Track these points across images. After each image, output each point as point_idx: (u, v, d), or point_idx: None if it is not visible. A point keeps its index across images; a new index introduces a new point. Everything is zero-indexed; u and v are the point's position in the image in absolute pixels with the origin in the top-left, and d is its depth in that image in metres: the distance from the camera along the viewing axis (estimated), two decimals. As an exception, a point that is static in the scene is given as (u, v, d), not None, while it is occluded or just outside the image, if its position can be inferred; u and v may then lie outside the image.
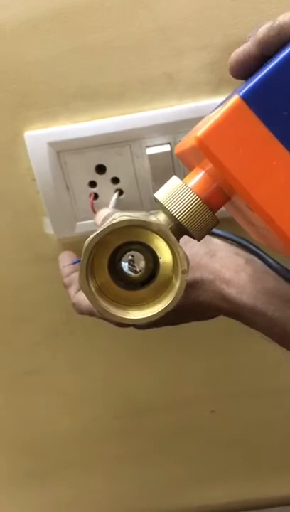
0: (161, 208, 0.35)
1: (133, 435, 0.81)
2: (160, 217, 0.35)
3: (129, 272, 0.37)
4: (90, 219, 0.60)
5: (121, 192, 0.59)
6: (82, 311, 0.52)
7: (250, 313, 0.42)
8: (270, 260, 0.43)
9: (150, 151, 0.56)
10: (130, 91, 0.55)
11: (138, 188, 0.59)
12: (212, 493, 0.87)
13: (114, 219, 0.33)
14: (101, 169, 0.58)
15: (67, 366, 0.74)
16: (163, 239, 0.34)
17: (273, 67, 0.30)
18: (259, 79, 0.30)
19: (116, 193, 0.59)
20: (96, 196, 0.59)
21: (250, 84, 0.30)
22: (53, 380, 0.76)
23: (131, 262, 0.37)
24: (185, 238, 0.37)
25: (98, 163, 0.58)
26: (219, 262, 0.44)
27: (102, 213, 0.53)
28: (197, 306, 0.45)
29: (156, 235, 0.34)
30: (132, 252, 0.36)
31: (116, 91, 0.55)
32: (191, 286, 0.44)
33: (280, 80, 0.30)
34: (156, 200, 0.35)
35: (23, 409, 0.78)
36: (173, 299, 0.34)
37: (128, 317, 0.35)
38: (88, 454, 0.83)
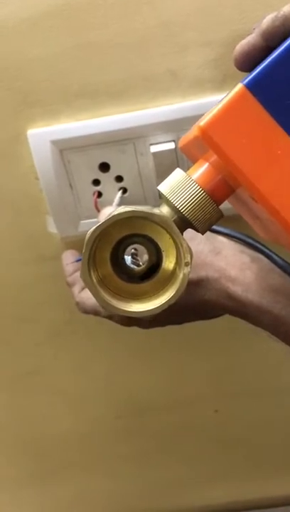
0: (165, 200, 0.35)
1: (135, 435, 0.81)
2: (164, 210, 0.35)
3: (132, 266, 0.36)
4: (94, 218, 0.60)
5: (125, 190, 0.59)
6: (86, 310, 0.52)
7: (256, 311, 0.42)
8: (276, 258, 0.43)
9: (154, 148, 0.56)
10: (133, 88, 0.55)
11: (142, 186, 0.59)
12: (214, 493, 0.86)
13: (115, 211, 0.33)
14: (104, 167, 0.58)
15: (69, 366, 0.74)
16: (166, 230, 0.34)
17: (277, 56, 0.30)
18: (264, 67, 0.30)
19: (120, 191, 0.58)
20: (100, 194, 0.59)
21: (254, 73, 0.30)
22: (55, 380, 0.76)
23: (134, 256, 0.37)
24: (189, 235, 0.37)
25: (101, 161, 0.57)
26: (225, 260, 0.44)
27: (106, 212, 0.53)
28: (202, 304, 0.45)
29: (159, 228, 0.34)
30: (135, 245, 0.36)
31: (119, 88, 0.55)
32: (196, 284, 0.44)
33: (284, 69, 0.30)
34: (159, 193, 0.35)
35: (24, 409, 0.78)
36: (176, 292, 0.34)
37: (130, 310, 0.35)
38: (89, 453, 0.83)
